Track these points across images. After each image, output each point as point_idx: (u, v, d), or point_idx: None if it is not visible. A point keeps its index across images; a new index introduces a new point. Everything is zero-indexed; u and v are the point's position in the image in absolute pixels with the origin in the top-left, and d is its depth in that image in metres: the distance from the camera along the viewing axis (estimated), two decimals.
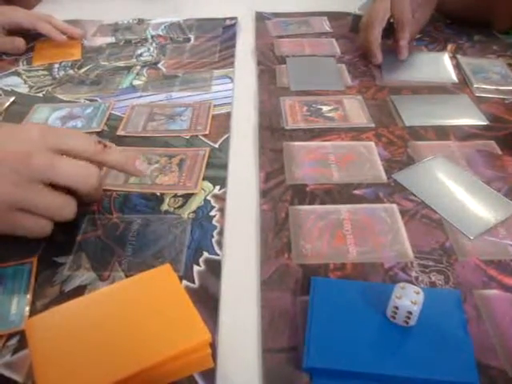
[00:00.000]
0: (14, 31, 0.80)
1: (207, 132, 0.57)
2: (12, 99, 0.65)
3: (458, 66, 0.71)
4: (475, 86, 0.66)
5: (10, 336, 0.35)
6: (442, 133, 0.56)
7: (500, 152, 0.53)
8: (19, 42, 0.78)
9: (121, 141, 0.56)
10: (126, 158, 0.44)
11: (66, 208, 0.41)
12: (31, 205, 0.39)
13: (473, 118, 0.59)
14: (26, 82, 0.70)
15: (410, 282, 0.38)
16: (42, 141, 0.40)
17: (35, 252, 0.42)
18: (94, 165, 0.42)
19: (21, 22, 0.80)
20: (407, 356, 0.32)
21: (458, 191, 0.47)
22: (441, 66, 0.71)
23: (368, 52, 0.72)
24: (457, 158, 0.52)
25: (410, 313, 0.33)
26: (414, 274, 0.39)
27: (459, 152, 0.53)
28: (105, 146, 0.42)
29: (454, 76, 0.69)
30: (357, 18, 0.83)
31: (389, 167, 0.51)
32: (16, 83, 0.69)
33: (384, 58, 0.71)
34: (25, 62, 0.76)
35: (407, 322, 0.33)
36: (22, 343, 0.34)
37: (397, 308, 0.33)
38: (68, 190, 0.41)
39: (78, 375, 0.29)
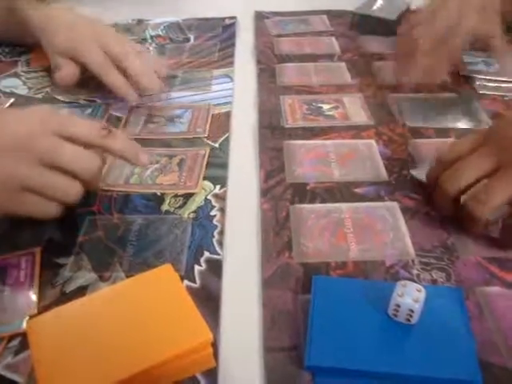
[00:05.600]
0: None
1: (206, 135, 0.57)
2: (11, 101, 0.65)
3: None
4: (477, 83, 0.65)
5: (12, 337, 0.35)
6: (442, 130, 0.56)
7: None
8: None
9: None
10: (129, 146, 0.44)
11: (71, 190, 0.41)
12: (36, 185, 0.40)
13: (476, 121, 0.58)
14: (25, 84, 0.69)
15: (412, 279, 0.38)
16: (46, 125, 0.41)
17: (35, 254, 0.42)
18: (97, 150, 0.43)
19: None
20: (409, 354, 0.32)
21: None
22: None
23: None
24: None
25: (412, 311, 0.32)
26: (415, 271, 0.39)
27: None
28: (109, 131, 0.43)
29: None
30: (356, 17, 0.83)
31: (389, 165, 0.51)
32: (15, 85, 0.69)
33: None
34: (24, 64, 0.75)
35: (409, 320, 0.33)
36: (24, 344, 0.34)
37: (398, 306, 0.33)
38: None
39: (80, 376, 0.29)
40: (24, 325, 0.35)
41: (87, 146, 0.42)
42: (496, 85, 0.65)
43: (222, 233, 0.43)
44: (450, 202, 0.42)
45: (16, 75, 0.72)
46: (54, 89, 0.68)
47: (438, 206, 0.44)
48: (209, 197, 0.47)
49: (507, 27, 0.71)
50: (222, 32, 0.84)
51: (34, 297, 0.38)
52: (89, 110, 0.62)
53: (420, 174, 0.48)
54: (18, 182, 0.39)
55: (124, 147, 0.44)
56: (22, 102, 0.65)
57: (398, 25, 0.81)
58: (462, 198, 0.41)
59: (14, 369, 0.33)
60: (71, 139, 0.41)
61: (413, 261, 0.40)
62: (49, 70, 0.73)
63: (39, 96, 0.66)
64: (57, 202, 0.41)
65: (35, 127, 0.40)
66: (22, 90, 0.68)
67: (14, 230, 0.42)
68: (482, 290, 0.38)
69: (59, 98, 0.66)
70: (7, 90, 0.68)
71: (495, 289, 0.38)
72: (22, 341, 0.34)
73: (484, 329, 0.35)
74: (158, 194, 0.48)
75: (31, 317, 0.36)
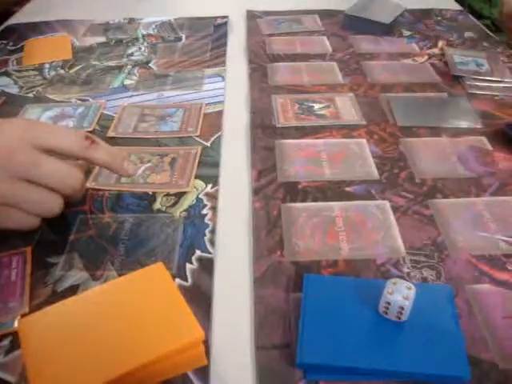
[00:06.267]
0: None
1: (198, 133, 0.57)
2: (2, 100, 0.64)
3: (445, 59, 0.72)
4: (468, 82, 0.66)
5: (3, 337, 0.35)
6: (434, 129, 0.57)
7: (491, 148, 0.54)
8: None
9: (112, 141, 0.55)
10: (113, 157, 0.42)
11: (52, 204, 0.40)
12: (15, 200, 0.39)
13: (467, 121, 0.59)
14: (16, 83, 0.69)
15: (402, 277, 0.39)
16: (26, 138, 0.39)
17: (27, 253, 0.41)
18: (81, 162, 0.42)
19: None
20: (400, 351, 0.32)
21: None
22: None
23: None
24: (448, 154, 0.53)
25: (402, 308, 0.33)
26: (405, 269, 0.40)
27: (451, 148, 0.54)
28: (92, 142, 0.41)
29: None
30: (349, 18, 0.83)
31: (380, 164, 0.51)
32: (6, 83, 0.69)
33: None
34: (15, 62, 0.75)
35: (399, 318, 0.33)
36: (14, 344, 0.34)
37: (389, 303, 0.33)
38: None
39: (72, 374, 0.29)
40: (15, 324, 0.35)
41: (70, 157, 0.41)
42: (486, 84, 0.66)
43: (213, 231, 0.43)
44: None
45: (7, 74, 0.72)
46: (46, 87, 0.67)
47: None
48: (200, 195, 0.47)
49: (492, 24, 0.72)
50: (213, 31, 0.85)
51: (25, 296, 0.38)
52: (81, 109, 0.62)
53: None
54: None
55: (108, 158, 0.42)
56: (13, 100, 0.64)
57: (393, 28, 0.82)
58: None
59: (4, 368, 0.33)
60: (53, 152, 0.40)
61: (403, 259, 0.41)
62: (40, 69, 0.73)
63: (30, 95, 0.66)
64: (37, 215, 0.40)
65: (13, 142, 0.38)
66: (13, 89, 0.67)
67: (4, 229, 0.41)
68: (471, 287, 0.38)
69: (51, 97, 0.65)
70: None
71: (485, 286, 0.38)
72: (13, 340, 0.34)
73: (473, 325, 0.35)
74: (150, 192, 0.48)
75: (22, 316, 0.36)
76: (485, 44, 0.78)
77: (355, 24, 0.82)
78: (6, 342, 0.34)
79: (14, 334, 0.34)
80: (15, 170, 0.38)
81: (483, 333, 0.35)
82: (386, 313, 0.34)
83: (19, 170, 0.38)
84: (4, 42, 0.82)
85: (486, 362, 0.33)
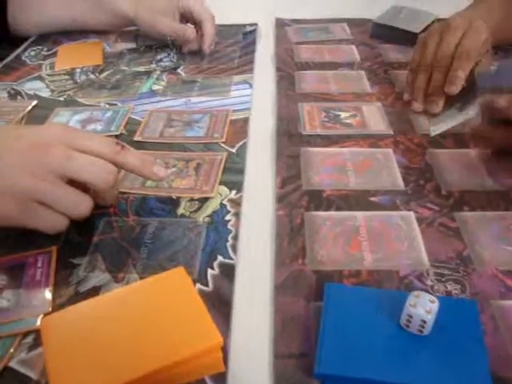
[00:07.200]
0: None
1: (224, 140, 0.57)
2: (34, 103, 0.66)
3: None
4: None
5: (26, 334, 0.35)
6: (462, 141, 0.56)
7: None
8: (191, 33, 0.79)
9: (138, 145, 0.56)
10: (142, 162, 0.44)
11: (82, 205, 0.41)
12: (48, 197, 0.40)
13: None
14: (48, 86, 0.71)
15: (426, 290, 0.38)
16: (60, 138, 0.41)
17: (52, 253, 0.42)
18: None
19: (194, 11, 0.81)
20: (420, 365, 0.32)
21: None
22: None
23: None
24: (476, 166, 0.52)
25: (424, 321, 0.32)
26: (429, 282, 0.39)
27: (478, 160, 0.52)
28: (122, 147, 0.43)
29: None
30: (378, 26, 0.83)
31: (406, 174, 0.51)
32: (39, 87, 0.71)
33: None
34: (48, 67, 0.77)
35: (421, 331, 0.33)
36: (38, 341, 0.35)
37: (411, 316, 0.32)
38: (85, 190, 0.42)
39: (90, 374, 0.29)
40: (38, 322, 0.36)
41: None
42: None
43: (236, 238, 0.44)
44: None
45: (40, 78, 0.74)
46: (76, 92, 0.69)
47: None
48: (224, 201, 0.48)
49: None
50: (242, 39, 0.85)
51: (48, 295, 0.38)
52: (109, 113, 0.63)
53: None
54: (29, 195, 0.39)
55: (138, 162, 0.43)
56: (44, 104, 0.66)
57: None
58: None
59: (27, 364, 0.33)
60: (85, 152, 0.41)
61: (427, 271, 0.40)
62: (71, 74, 0.75)
63: (61, 98, 0.67)
64: (66, 215, 0.41)
65: (51, 140, 0.41)
66: (45, 93, 0.69)
67: (32, 229, 0.42)
68: (497, 303, 0.37)
69: (80, 100, 0.67)
70: (31, 93, 0.69)
71: (511, 302, 0.37)
72: (36, 337, 0.35)
73: (498, 342, 0.34)
74: (174, 197, 0.48)
75: (45, 314, 0.36)
76: None
77: (384, 33, 0.82)
78: (29, 340, 0.35)
79: (38, 332, 0.35)
80: (50, 165, 0.40)
81: (509, 350, 0.34)
82: (408, 326, 0.33)
83: (54, 165, 0.40)
84: (39, 47, 0.84)
85: (511, 380, 0.32)
